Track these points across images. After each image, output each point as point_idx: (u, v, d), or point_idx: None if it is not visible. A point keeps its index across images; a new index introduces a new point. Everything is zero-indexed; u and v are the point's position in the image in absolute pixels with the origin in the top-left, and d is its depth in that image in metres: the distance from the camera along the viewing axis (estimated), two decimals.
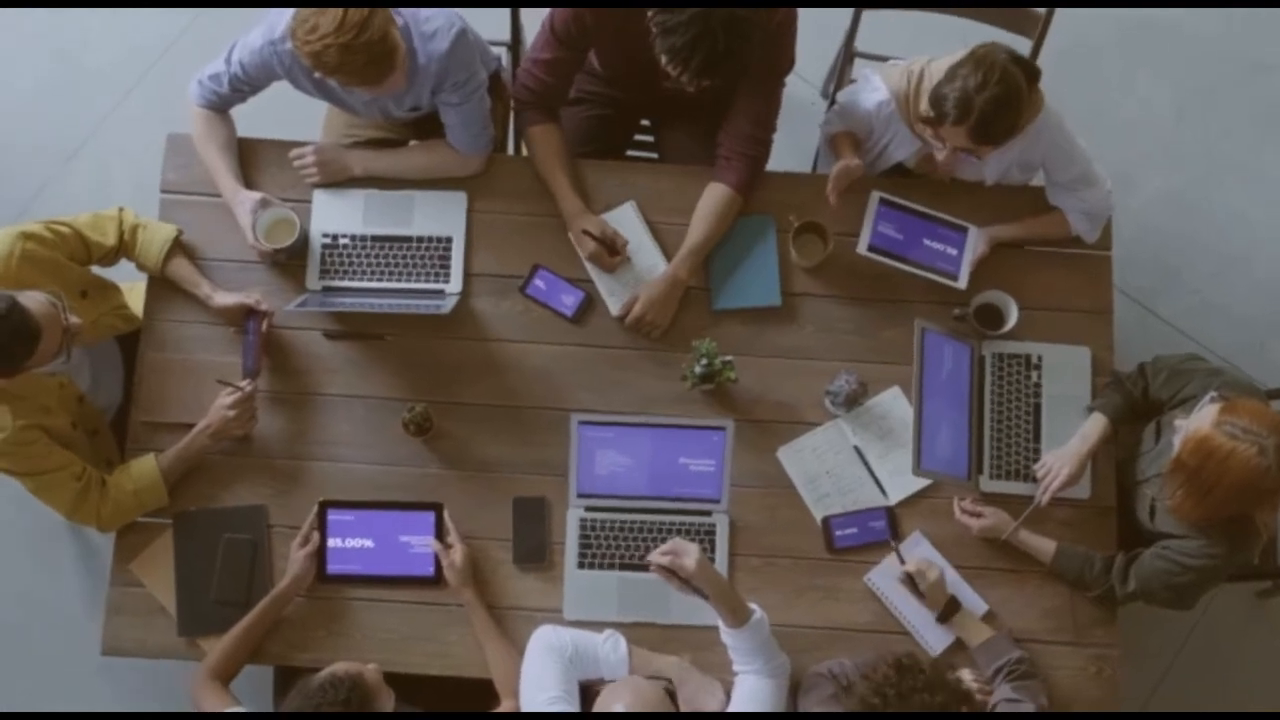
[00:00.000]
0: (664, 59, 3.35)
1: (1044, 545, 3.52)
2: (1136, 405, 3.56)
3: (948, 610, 3.45)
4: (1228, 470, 3.07)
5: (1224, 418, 3.09)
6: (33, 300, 3.13)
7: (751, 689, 3.24)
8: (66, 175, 4.85)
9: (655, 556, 3.24)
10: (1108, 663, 3.51)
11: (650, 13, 3.33)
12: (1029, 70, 3.42)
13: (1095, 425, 3.54)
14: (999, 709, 3.28)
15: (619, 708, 3.01)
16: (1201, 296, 4.74)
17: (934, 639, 3.48)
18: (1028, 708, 3.24)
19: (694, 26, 3.25)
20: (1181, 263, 4.76)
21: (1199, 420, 3.15)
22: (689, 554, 3.22)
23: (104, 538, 3.58)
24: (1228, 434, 3.07)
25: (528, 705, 3.23)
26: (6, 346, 3.08)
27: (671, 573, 3.21)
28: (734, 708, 3.22)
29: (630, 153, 4.27)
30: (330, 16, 3.21)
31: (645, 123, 4.25)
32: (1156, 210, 4.71)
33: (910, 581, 3.46)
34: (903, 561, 3.47)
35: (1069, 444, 3.54)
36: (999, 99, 3.31)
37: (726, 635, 3.27)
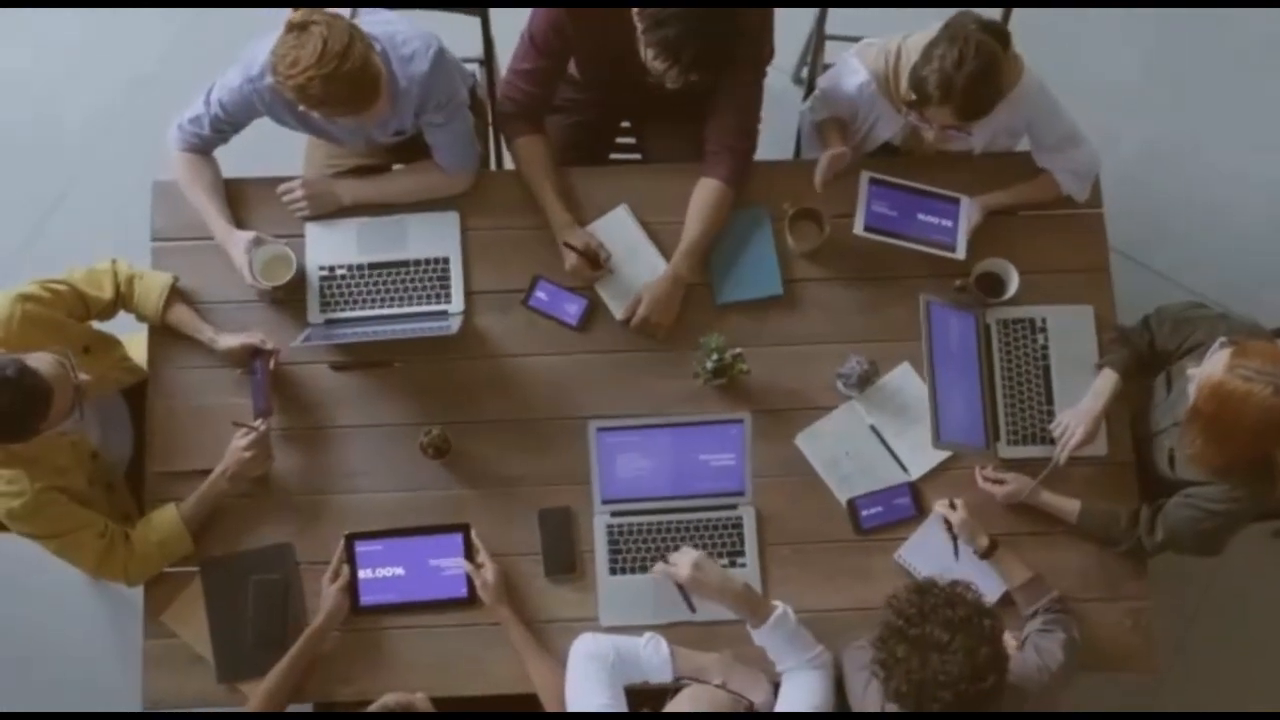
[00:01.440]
0: (652, 55, 3.36)
1: (1068, 505, 3.54)
2: (1144, 357, 3.58)
3: (990, 548, 3.47)
4: (1245, 413, 3.09)
5: (1236, 361, 3.11)
6: (41, 361, 3.12)
7: (797, 684, 3.27)
8: (47, 231, 4.82)
9: (655, 568, 3.38)
10: (1142, 614, 3.54)
11: (635, 10, 3.34)
12: (1001, 36, 3.44)
13: (1106, 381, 3.56)
14: (1029, 642, 3.32)
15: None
16: (1192, 246, 4.78)
17: None
18: (1058, 636, 3.26)
19: (684, 21, 3.26)
20: (1169, 214, 4.81)
21: (1212, 367, 3.17)
22: (681, 565, 3.30)
23: (132, 591, 3.55)
24: (1242, 377, 3.09)
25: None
26: (20, 411, 3.06)
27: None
28: (782, 705, 3.23)
29: (614, 156, 4.26)
30: (310, 49, 3.20)
31: (625, 124, 4.25)
32: (1137, 164, 4.75)
33: (949, 528, 3.50)
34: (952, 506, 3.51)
35: (1082, 403, 3.56)
36: (979, 73, 3.32)
37: (753, 636, 3.31)
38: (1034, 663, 3.16)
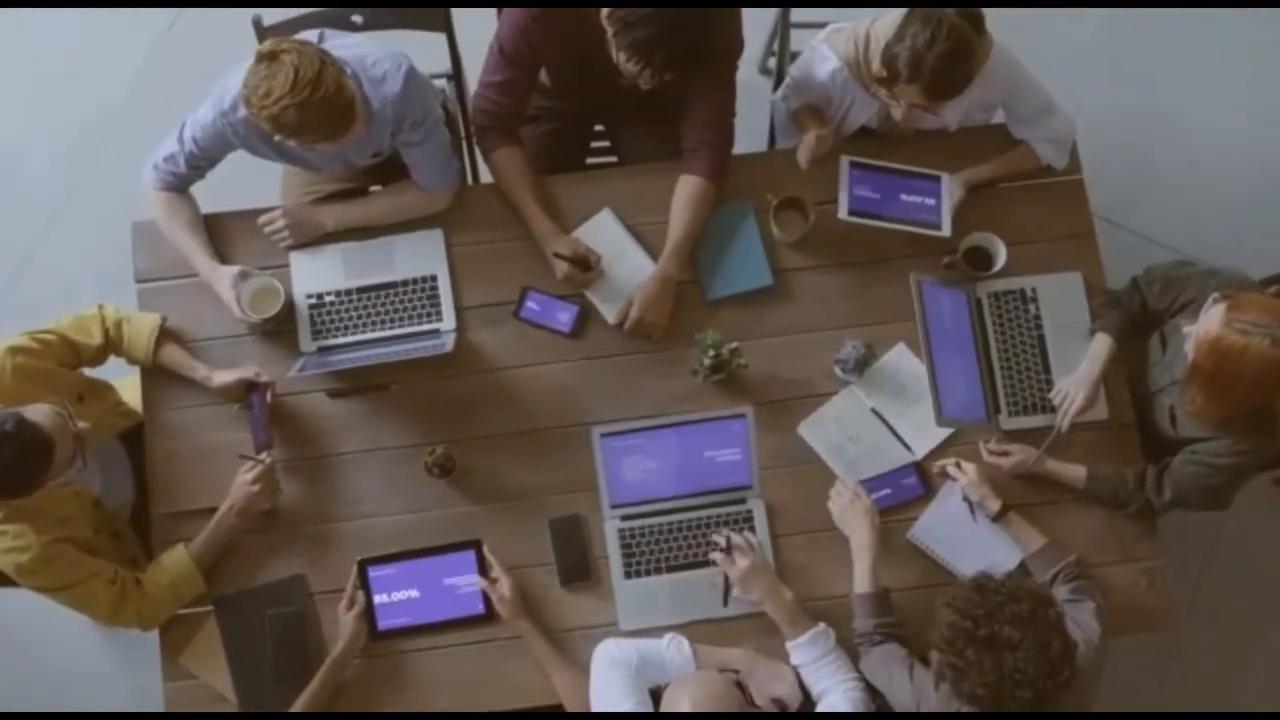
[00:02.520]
0: (624, 58, 3.36)
1: (1075, 472, 3.56)
2: (1136, 319, 3.60)
3: (1002, 510, 3.48)
4: (1245, 366, 3.10)
5: (1232, 315, 3.13)
6: (39, 413, 3.09)
7: (830, 703, 3.29)
8: (24, 282, 4.79)
9: (718, 537, 3.42)
10: (1157, 574, 3.56)
11: (604, 13, 3.34)
12: (975, 20, 3.44)
13: (1101, 345, 3.57)
14: (1066, 618, 3.30)
15: (685, 702, 2.98)
16: (1168, 204, 4.83)
17: None
18: (1088, 606, 3.27)
19: (654, 22, 3.27)
20: (1141, 175, 4.85)
21: (1208, 322, 3.18)
22: (740, 561, 3.37)
23: (147, 634, 3.52)
24: (1239, 331, 3.10)
25: None
26: (23, 465, 3.04)
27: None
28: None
29: (590, 160, 4.26)
30: (282, 79, 3.18)
31: (599, 128, 4.25)
32: (1106, 127, 4.77)
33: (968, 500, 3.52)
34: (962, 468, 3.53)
35: (1079, 369, 3.58)
36: (949, 54, 3.33)
37: (790, 652, 3.36)
38: (1079, 638, 3.16)
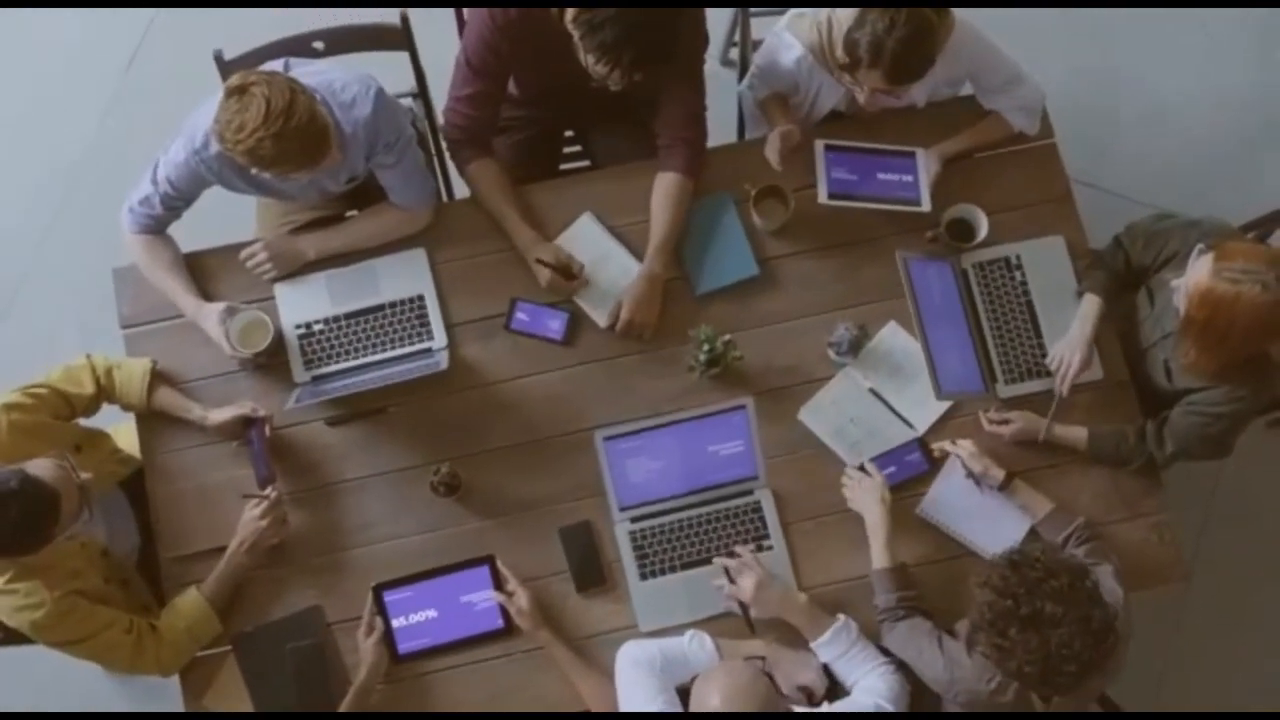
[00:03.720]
0: (593, 60, 3.36)
1: (1076, 434, 3.58)
2: (1122, 277, 3.63)
3: (1007, 479, 3.50)
4: (1237, 314, 3.12)
5: (1220, 265, 3.15)
6: (41, 468, 3.07)
7: (863, 688, 3.29)
8: (3, 338, 4.75)
9: (720, 559, 3.44)
10: (1166, 528, 3.58)
11: (569, 16, 3.34)
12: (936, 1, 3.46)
13: (1090, 306, 3.60)
14: None
15: (715, 694, 2.97)
16: (1137, 161, 4.87)
17: (998, 546, 3.50)
18: (1106, 569, 3.27)
19: (620, 22, 3.26)
20: (1108, 134, 4.88)
21: (1196, 274, 3.20)
22: (745, 585, 3.38)
23: (167, 680, 3.51)
24: (1228, 279, 3.12)
25: None
26: (31, 521, 3.02)
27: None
28: (850, 706, 3.24)
29: (564, 167, 4.25)
30: (254, 111, 3.16)
31: (570, 134, 4.25)
32: (1069, 92, 4.80)
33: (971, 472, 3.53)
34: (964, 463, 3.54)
35: (1071, 331, 3.59)
36: (909, 39, 3.34)
37: (818, 652, 3.36)
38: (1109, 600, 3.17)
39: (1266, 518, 4.60)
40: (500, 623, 3.50)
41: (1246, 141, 4.95)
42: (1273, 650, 4.52)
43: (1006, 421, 3.58)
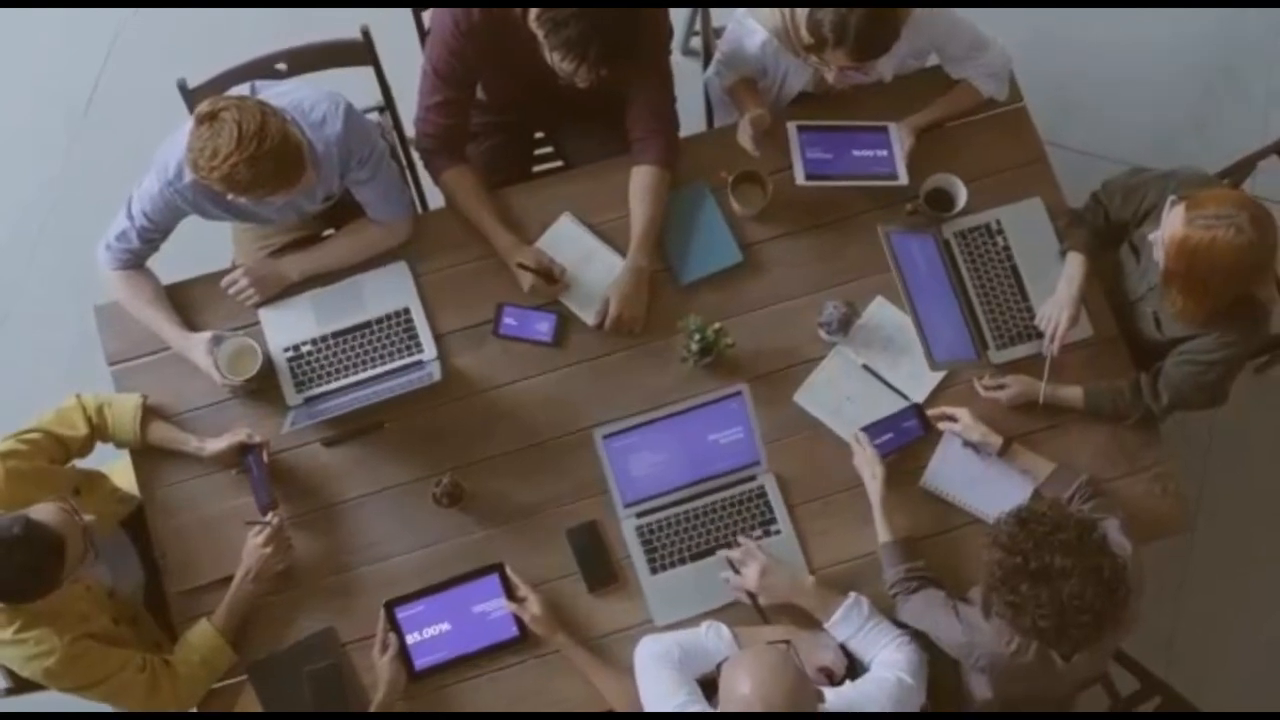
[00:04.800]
0: (558, 58, 3.35)
1: (1072, 393, 3.59)
2: (1103, 232, 3.64)
3: (1005, 444, 3.51)
4: (1215, 259, 3.14)
5: (1192, 213, 3.17)
6: (44, 513, 3.05)
7: (881, 661, 3.30)
8: None
9: (724, 552, 3.46)
10: (1170, 478, 3.60)
11: (532, 16, 3.33)
12: None
13: (1075, 264, 3.61)
14: None
15: (744, 680, 2.94)
16: (1102, 118, 4.89)
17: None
18: (1112, 523, 3.27)
19: (583, 18, 3.26)
20: (1072, 94, 4.90)
21: (1170, 225, 3.22)
22: (749, 574, 3.40)
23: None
24: (1202, 227, 3.14)
25: None
26: (38, 566, 3.00)
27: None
28: (869, 683, 3.24)
29: (536, 169, 4.24)
30: (226, 136, 3.14)
31: (539, 135, 4.24)
32: (1030, 56, 4.74)
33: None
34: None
35: (1058, 290, 3.61)
36: (872, 14, 3.35)
37: (832, 633, 3.37)
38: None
39: (1263, 463, 4.63)
40: (515, 631, 3.48)
41: (1209, 91, 4.99)
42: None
43: (1001, 386, 3.59)
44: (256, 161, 3.16)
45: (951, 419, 3.56)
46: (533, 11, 3.35)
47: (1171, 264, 3.23)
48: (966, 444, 3.55)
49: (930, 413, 3.59)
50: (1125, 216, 3.58)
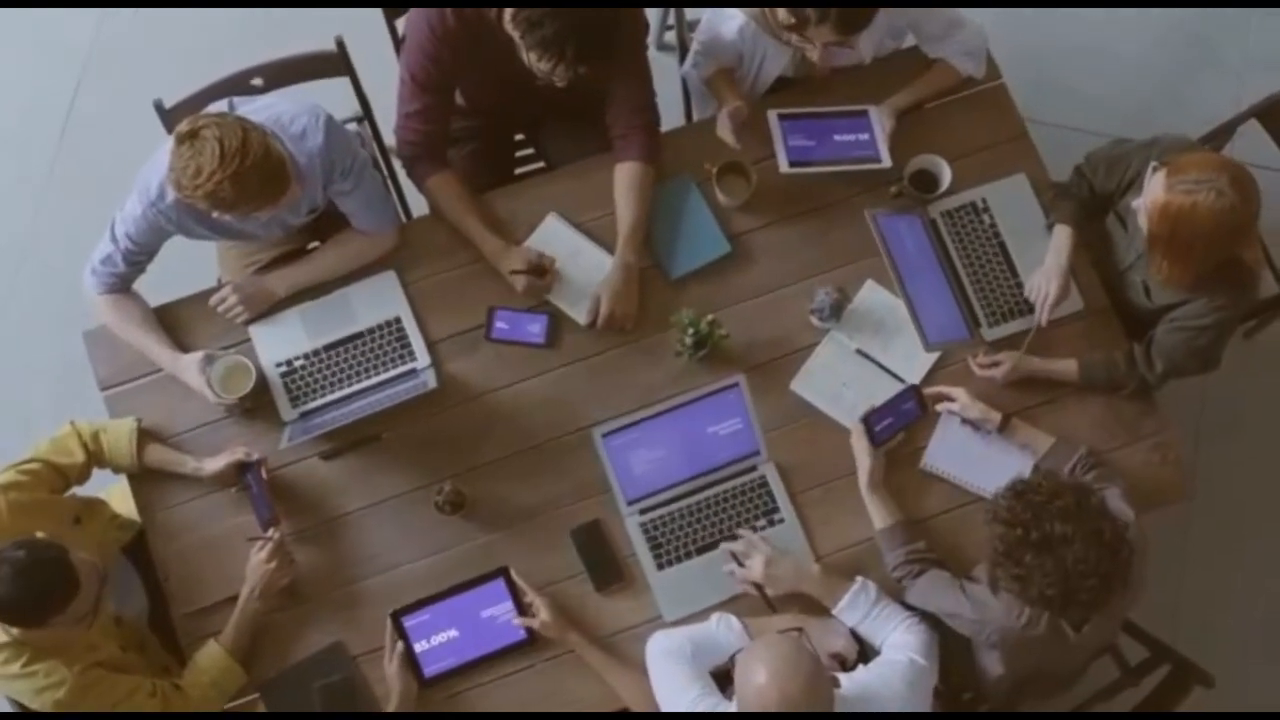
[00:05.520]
0: (535, 57, 3.35)
1: (1067, 366, 3.60)
2: (1088, 204, 3.65)
3: (1004, 421, 3.51)
4: (1197, 223, 3.15)
5: (1173, 179, 3.18)
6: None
7: (892, 643, 3.30)
8: None
9: (727, 545, 3.47)
10: (1169, 447, 3.61)
11: (508, 17, 3.32)
12: None
13: (1062, 236, 3.62)
14: None
15: (760, 670, 2.91)
16: (1078, 91, 4.90)
17: None
18: (1114, 492, 3.30)
19: (559, 17, 3.26)
20: (1047, 69, 4.90)
21: (1152, 192, 3.23)
22: (754, 566, 3.41)
23: None
24: (1183, 191, 3.15)
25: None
26: (53, 584, 2.99)
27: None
28: (881, 666, 3.23)
29: (519, 170, 4.23)
30: (209, 154, 3.12)
31: (520, 137, 4.23)
32: (1003, 32, 4.75)
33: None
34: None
35: (1046, 262, 3.61)
36: None
37: (841, 619, 3.37)
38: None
39: (1256, 427, 4.64)
40: (524, 633, 3.48)
41: (1179, 60, 5.00)
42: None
43: (997, 364, 3.59)
44: (240, 178, 3.14)
45: (949, 399, 3.56)
46: (508, 13, 3.34)
47: (1155, 230, 3.24)
48: (965, 422, 3.55)
49: (927, 392, 3.59)
50: (1110, 188, 3.59)
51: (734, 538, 3.51)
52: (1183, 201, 3.15)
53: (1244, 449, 4.62)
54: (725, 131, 3.73)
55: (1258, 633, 4.50)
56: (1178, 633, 4.21)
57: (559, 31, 3.27)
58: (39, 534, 3.08)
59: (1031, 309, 3.64)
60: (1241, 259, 3.37)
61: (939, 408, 3.58)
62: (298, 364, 3.67)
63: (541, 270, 3.67)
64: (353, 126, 4.10)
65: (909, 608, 3.38)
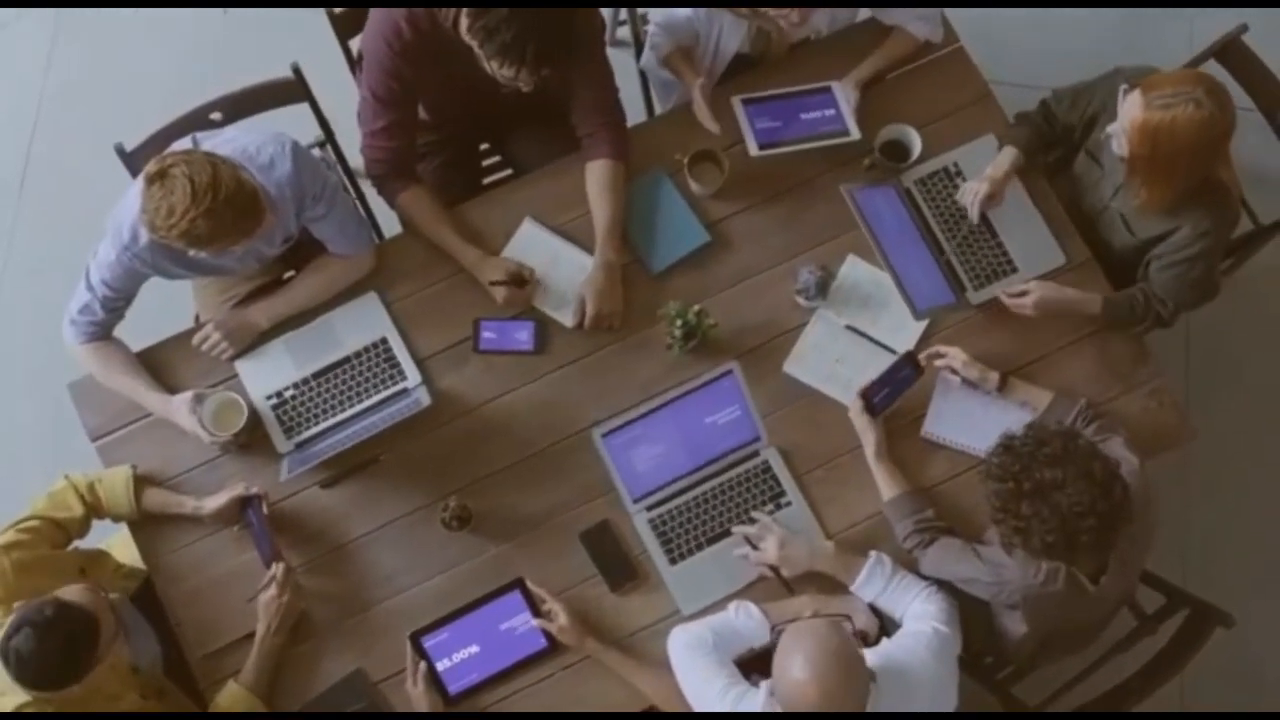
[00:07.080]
0: (497, 64, 3.33)
1: (1091, 298, 3.57)
2: (1044, 134, 3.69)
3: (1002, 380, 3.51)
4: (1177, 136, 3.17)
5: (1149, 96, 3.19)
6: (73, 593, 3.01)
7: (913, 614, 3.30)
8: None
9: (739, 528, 3.47)
10: (1165, 392, 3.63)
11: (465, 27, 3.31)
12: None
13: (1005, 155, 3.66)
14: None
15: (798, 660, 2.88)
16: (1030, 49, 4.91)
17: None
18: (1116, 440, 3.32)
19: (516, 21, 3.24)
20: (996, 28, 4.89)
21: (1129, 112, 3.25)
22: (769, 549, 3.41)
23: None
24: (1160, 106, 3.17)
25: (703, 707, 3.19)
26: (74, 646, 2.95)
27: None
28: (903, 637, 3.23)
29: (487, 180, 4.21)
30: (180, 193, 3.09)
31: (485, 146, 4.21)
32: None
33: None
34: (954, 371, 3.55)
35: (983, 172, 3.66)
36: None
37: (859, 595, 3.37)
38: (1123, 471, 3.20)
39: (1244, 362, 4.68)
40: (544, 643, 3.45)
41: (1134, 13, 5.02)
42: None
43: (1024, 293, 3.56)
44: (214, 213, 3.11)
45: (943, 355, 3.56)
46: (464, 23, 3.33)
47: (1135, 150, 3.25)
48: (965, 382, 3.54)
49: (923, 355, 3.57)
50: (1073, 120, 3.62)
51: (746, 522, 3.50)
52: (1161, 117, 3.16)
53: (1235, 385, 4.65)
54: (705, 117, 3.71)
55: (1267, 565, 4.53)
56: (1188, 576, 4.24)
57: (517, 36, 3.26)
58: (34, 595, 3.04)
59: (1015, 270, 3.65)
60: (1219, 178, 3.38)
61: (937, 364, 3.56)
62: (288, 394, 3.64)
63: (521, 280, 3.65)
64: (317, 152, 4.08)
65: (925, 578, 3.38)
